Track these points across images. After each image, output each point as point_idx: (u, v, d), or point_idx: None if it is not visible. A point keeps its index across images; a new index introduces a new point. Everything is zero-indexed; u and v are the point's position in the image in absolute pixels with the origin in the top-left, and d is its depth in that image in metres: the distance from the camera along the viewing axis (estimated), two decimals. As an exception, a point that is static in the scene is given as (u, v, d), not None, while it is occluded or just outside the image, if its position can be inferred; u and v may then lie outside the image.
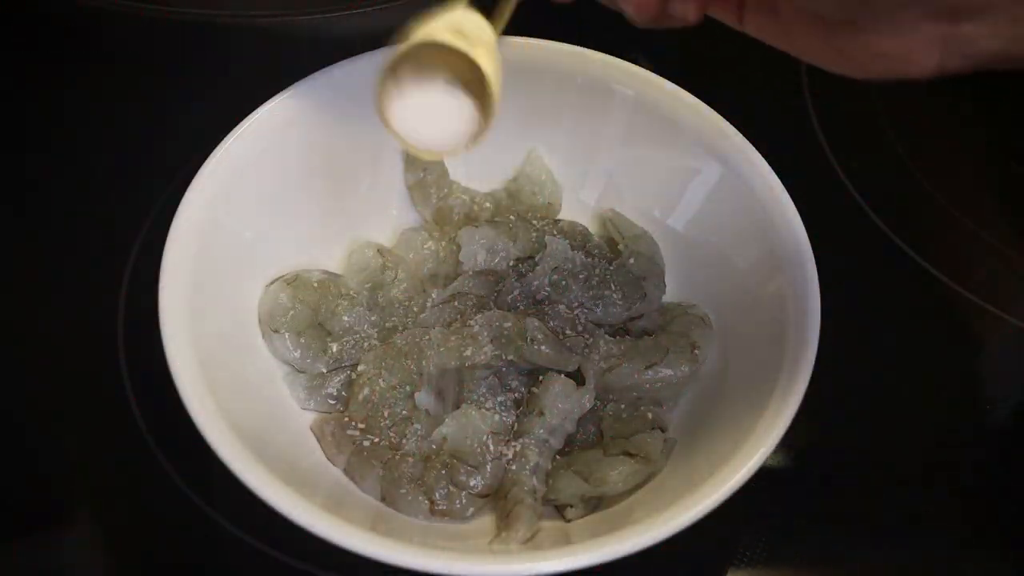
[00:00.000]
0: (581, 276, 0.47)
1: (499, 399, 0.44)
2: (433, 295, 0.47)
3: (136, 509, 0.45)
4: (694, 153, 0.47)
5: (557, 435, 0.43)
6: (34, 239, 0.53)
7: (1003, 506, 0.47)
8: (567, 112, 0.50)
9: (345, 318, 0.46)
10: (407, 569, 0.35)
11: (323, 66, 0.47)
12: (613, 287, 0.47)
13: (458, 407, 0.44)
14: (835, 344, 0.41)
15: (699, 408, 0.45)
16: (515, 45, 0.48)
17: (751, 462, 0.37)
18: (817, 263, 0.43)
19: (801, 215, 0.44)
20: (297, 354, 0.45)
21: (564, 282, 0.47)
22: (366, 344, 0.46)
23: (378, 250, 0.48)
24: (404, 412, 0.44)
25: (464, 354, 0.44)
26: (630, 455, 0.42)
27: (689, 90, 0.48)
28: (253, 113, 0.45)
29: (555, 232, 0.49)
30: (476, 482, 0.42)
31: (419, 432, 0.43)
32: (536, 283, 0.47)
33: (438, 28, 0.35)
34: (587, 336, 0.46)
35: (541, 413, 0.43)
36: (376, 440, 0.43)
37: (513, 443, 0.43)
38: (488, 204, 0.51)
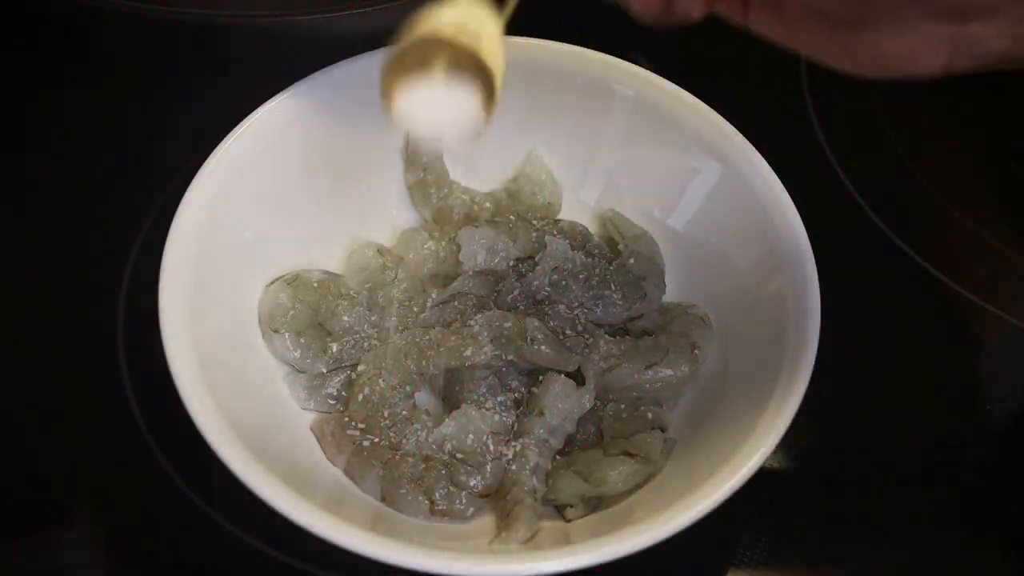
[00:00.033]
0: (581, 276, 0.47)
1: (499, 399, 0.44)
2: (433, 295, 0.47)
3: (136, 509, 0.45)
4: (694, 153, 0.47)
5: (557, 435, 0.43)
6: (34, 239, 0.53)
7: (1003, 506, 0.47)
8: (567, 112, 0.50)
9: (345, 318, 0.46)
10: (407, 569, 0.35)
11: (323, 66, 0.47)
12: (613, 287, 0.47)
13: (458, 407, 0.44)
14: (835, 344, 0.41)
15: (699, 408, 0.45)
16: (515, 45, 0.48)
17: (751, 462, 0.37)
18: (817, 263, 0.43)
19: (801, 215, 0.44)
20: (297, 354, 0.45)
21: (564, 282, 0.47)
22: (366, 344, 0.46)
23: (378, 250, 0.48)
24: (404, 412, 0.44)
25: (464, 354, 0.44)
26: (630, 455, 0.42)
27: (689, 90, 0.48)
28: (253, 113, 0.45)
29: (555, 232, 0.49)
30: (476, 482, 0.42)
31: (419, 432, 0.43)
32: (536, 283, 0.47)
33: (442, 21, 0.35)
34: (587, 336, 0.46)
35: (541, 413, 0.43)
36: (376, 440, 0.43)
37: (513, 443, 0.43)
38: (488, 204, 0.51)
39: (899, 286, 0.53)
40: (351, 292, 0.47)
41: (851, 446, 0.48)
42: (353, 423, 0.43)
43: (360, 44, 0.47)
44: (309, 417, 0.44)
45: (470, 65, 0.35)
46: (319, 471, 0.42)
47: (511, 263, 0.48)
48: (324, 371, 0.45)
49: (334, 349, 0.45)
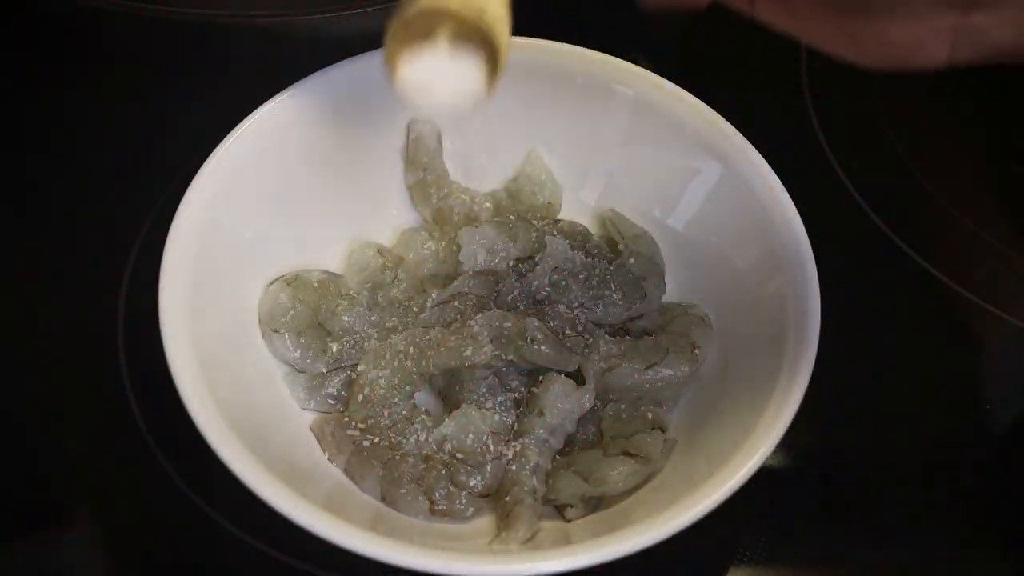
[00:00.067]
0: (581, 276, 0.47)
1: (499, 399, 0.44)
2: (433, 295, 0.47)
3: (136, 509, 0.45)
4: (694, 153, 0.47)
5: (557, 435, 0.43)
6: (34, 239, 0.53)
7: (1003, 506, 0.47)
8: (567, 112, 0.50)
9: (345, 318, 0.46)
10: (407, 569, 0.35)
11: (323, 66, 0.47)
12: (613, 287, 0.47)
13: (458, 407, 0.44)
14: (835, 344, 0.41)
15: (699, 408, 0.45)
16: (515, 45, 0.48)
17: (751, 462, 0.37)
18: (817, 263, 0.43)
19: (801, 215, 0.44)
20: (297, 354, 0.45)
21: (564, 282, 0.47)
22: (366, 344, 0.46)
23: (378, 250, 0.48)
24: (404, 412, 0.44)
25: (464, 354, 0.44)
26: (630, 455, 0.42)
27: (689, 90, 0.48)
28: (253, 113, 0.45)
29: (555, 232, 0.49)
30: (476, 482, 0.42)
31: (419, 432, 0.43)
32: (536, 283, 0.47)
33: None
34: (587, 336, 0.46)
35: (541, 413, 0.43)
36: (376, 440, 0.43)
37: (513, 443, 0.43)
38: (488, 204, 0.51)
39: (899, 286, 0.53)
40: (351, 292, 0.47)
41: (851, 446, 0.48)
42: (353, 423, 0.43)
43: (360, 44, 0.47)
44: (309, 417, 0.44)
45: (474, 37, 0.35)
46: (319, 471, 0.42)
47: (511, 263, 0.48)
48: (324, 371, 0.45)
49: (334, 349, 0.45)
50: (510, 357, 0.44)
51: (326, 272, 0.48)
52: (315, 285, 0.46)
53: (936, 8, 0.31)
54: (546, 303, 0.47)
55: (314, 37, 0.49)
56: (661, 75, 0.48)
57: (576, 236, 0.49)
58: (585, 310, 0.47)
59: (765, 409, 0.39)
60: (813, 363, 0.40)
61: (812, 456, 0.47)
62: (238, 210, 0.44)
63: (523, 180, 0.51)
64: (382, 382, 0.44)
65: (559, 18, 0.50)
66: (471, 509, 0.42)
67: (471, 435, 0.43)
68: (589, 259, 0.48)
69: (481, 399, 0.44)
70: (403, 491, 0.41)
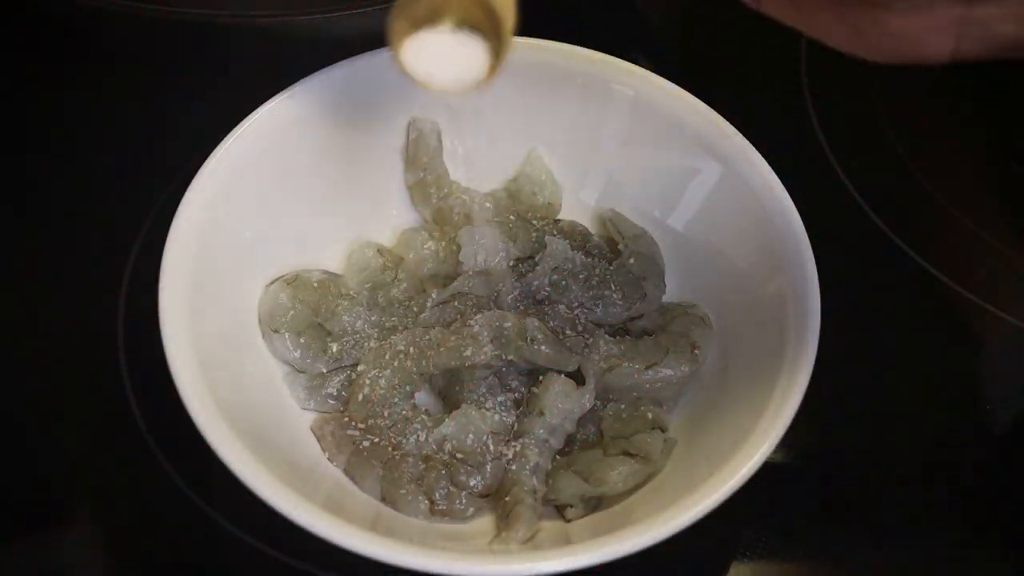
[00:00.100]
0: (581, 276, 0.47)
1: (499, 399, 0.44)
2: (433, 295, 0.47)
3: (136, 509, 0.45)
4: (694, 153, 0.47)
5: (557, 435, 0.43)
6: (34, 239, 0.53)
7: (1003, 506, 0.47)
8: (567, 112, 0.50)
9: (345, 318, 0.46)
10: (407, 569, 0.35)
11: (323, 66, 0.47)
12: (613, 287, 0.47)
13: (458, 407, 0.44)
14: (835, 344, 0.41)
15: (699, 408, 0.45)
16: (515, 45, 0.48)
17: (751, 462, 0.37)
18: (817, 263, 0.43)
19: (801, 215, 0.44)
20: (297, 354, 0.45)
21: (564, 282, 0.47)
22: (366, 344, 0.46)
23: (378, 250, 0.48)
24: (404, 412, 0.44)
25: (464, 354, 0.44)
26: (630, 455, 0.42)
27: (689, 90, 0.48)
28: (253, 113, 0.45)
29: (555, 232, 0.49)
30: (476, 482, 0.42)
31: (419, 432, 0.43)
32: (536, 283, 0.47)
33: None
34: (587, 336, 0.46)
35: (541, 413, 0.43)
36: (376, 440, 0.43)
37: (513, 443, 0.43)
38: (488, 204, 0.51)
39: (899, 286, 0.53)
40: (351, 292, 0.47)
41: (851, 446, 0.48)
42: (353, 423, 0.43)
43: (360, 44, 0.47)
44: (309, 417, 0.44)
45: (480, 18, 0.35)
46: (319, 471, 0.42)
47: (511, 263, 0.48)
48: (324, 371, 0.45)
49: (334, 349, 0.45)
50: (510, 357, 0.44)
51: (326, 272, 0.48)
52: (315, 285, 0.46)
53: (940, 0, 0.31)
54: (546, 303, 0.47)
55: (314, 37, 0.49)
56: (661, 75, 0.48)
57: (576, 236, 0.50)
58: (585, 310, 0.47)
59: (765, 409, 0.39)
60: (813, 363, 0.40)
61: (812, 456, 0.47)
62: (238, 210, 0.44)
63: (523, 180, 0.51)
64: (382, 382, 0.44)
65: (559, 18, 0.50)
66: (471, 509, 0.42)
67: (471, 435, 0.43)
68: (589, 259, 0.48)
69: (481, 399, 0.44)
70: (403, 491, 0.41)
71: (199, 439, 0.36)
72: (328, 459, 0.43)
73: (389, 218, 0.51)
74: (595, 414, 0.45)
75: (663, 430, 0.44)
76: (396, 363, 0.44)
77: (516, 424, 0.44)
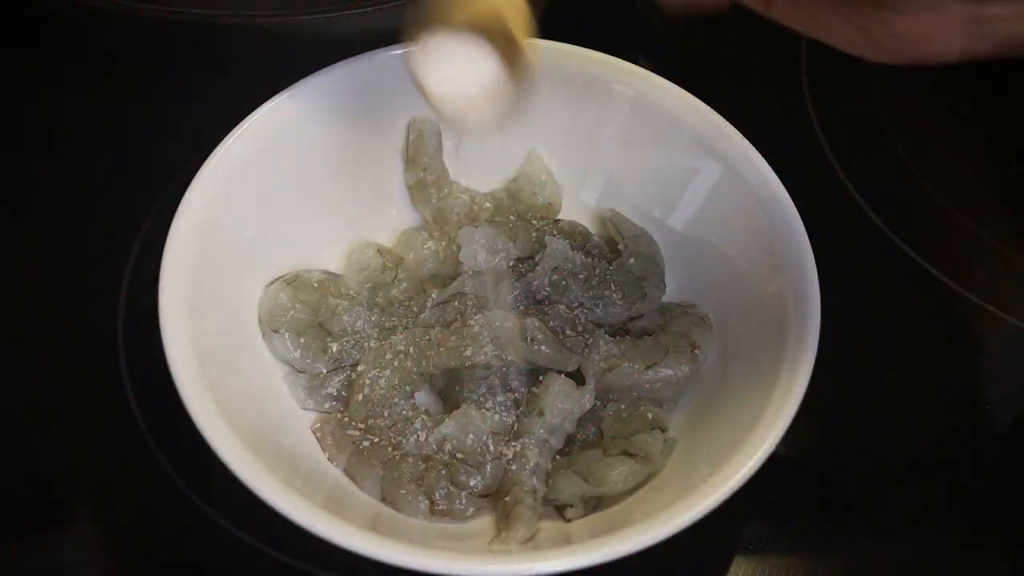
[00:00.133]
0: (581, 276, 0.47)
1: (499, 399, 0.44)
2: (433, 295, 0.47)
3: (136, 509, 0.45)
4: (694, 153, 0.47)
5: (557, 435, 0.43)
6: (34, 239, 0.53)
7: (1003, 506, 0.47)
8: (567, 112, 0.50)
9: (345, 318, 0.46)
10: (407, 569, 0.35)
11: (323, 66, 0.47)
12: (613, 287, 0.47)
13: (458, 407, 0.44)
14: (835, 344, 0.41)
15: (699, 408, 0.45)
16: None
17: (751, 462, 0.37)
18: (817, 263, 0.43)
19: (801, 215, 0.44)
20: (297, 354, 0.45)
21: (564, 282, 0.47)
22: (366, 344, 0.46)
23: (378, 250, 0.48)
24: (404, 412, 0.44)
25: (464, 354, 0.44)
26: (630, 455, 0.42)
27: (689, 90, 0.48)
28: (253, 113, 0.45)
29: (555, 232, 0.49)
30: (476, 482, 0.42)
31: (419, 432, 0.43)
32: (536, 283, 0.47)
33: (477, 8, 0.35)
34: (587, 336, 0.46)
35: (541, 413, 0.43)
36: (376, 440, 0.43)
37: (513, 443, 0.43)
38: (488, 204, 0.51)
39: (899, 286, 0.53)
40: (351, 292, 0.47)
41: (851, 446, 0.48)
42: (353, 423, 0.43)
43: (360, 44, 0.47)
44: (309, 417, 0.44)
45: (504, 43, 0.35)
46: (319, 471, 0.42)
47: (511, 263, 0.48)
48: (324, 371, 0.45)
49: (334, 349, 0.45)
50: (510, 357, 0.44)
51: (326, 272, 0.48)
52: (315, 285, 0.46)
53: (948, 0, 0.31)
54: (546, 303, 0.47)
55: (314, 37, 0.49)
56: (661, 75, 0.48)
57: (576, 236, 0.49)
58: (585, 310, 0.47)
59: (765, 409, 0.39)
60: (813, 363, 0.40)
61: (812, 456, 0.47)
62: (238, 210, 0.44)
63: (523, 180, 0.51)
64: (382, 382, 0.44)
65: (559, 18, 0.50)
66: (471, 509, 0.42)
67: (471, 435, 0.43)
68: (589, 259, 0.48)
69: (481, 399, 0.44)
70: (403, 491, 0.41)
71: (199, 439, 0.36)
72: (328, 459, 0.43)
73: (389, 218, 0.51)
74: (595, 414, 0.45)
75: (663, 430, 0.44)
76: (396, 363, 0.44)
77: (516, 424, 0.44)
